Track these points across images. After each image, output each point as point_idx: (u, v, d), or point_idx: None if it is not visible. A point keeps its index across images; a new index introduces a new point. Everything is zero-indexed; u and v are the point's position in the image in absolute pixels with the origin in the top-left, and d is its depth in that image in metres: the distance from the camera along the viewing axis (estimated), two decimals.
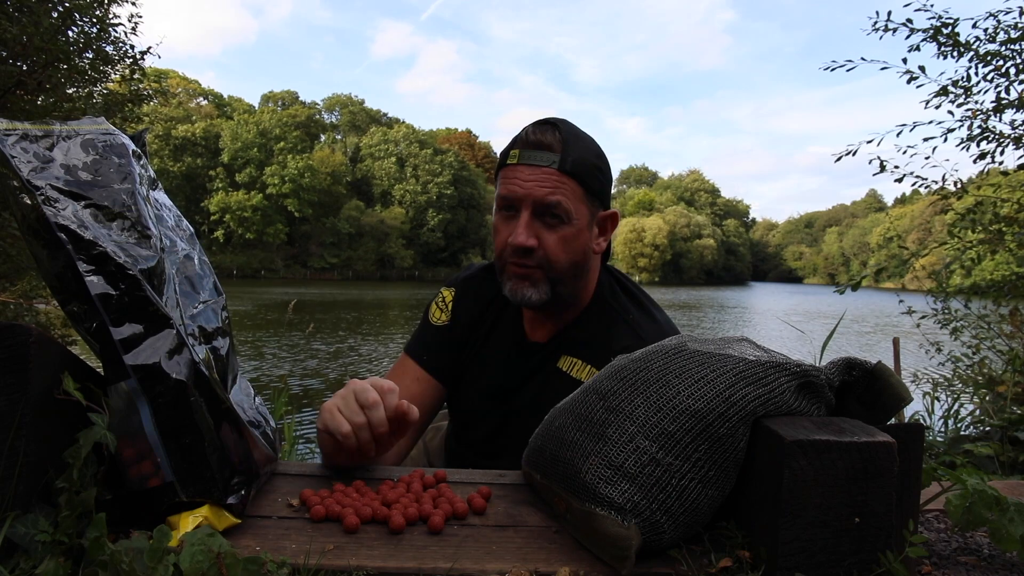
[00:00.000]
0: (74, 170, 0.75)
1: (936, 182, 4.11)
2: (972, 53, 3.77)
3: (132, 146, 0.83)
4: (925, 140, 3.99)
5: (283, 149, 59.25)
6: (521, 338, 1.27)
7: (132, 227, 0.75)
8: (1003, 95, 3.81)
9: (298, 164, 57.79)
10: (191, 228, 0.92)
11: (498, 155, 1.23)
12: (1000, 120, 3.90)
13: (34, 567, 0.61)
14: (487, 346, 1.30)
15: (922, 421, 3.14)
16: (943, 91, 3.93)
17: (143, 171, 0.83)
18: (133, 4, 6.08)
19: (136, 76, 6.39)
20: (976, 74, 3.84)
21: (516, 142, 1.17)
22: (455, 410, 1.36)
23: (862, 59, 3.94)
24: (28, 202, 0.70)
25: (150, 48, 6.39)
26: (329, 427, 0.90)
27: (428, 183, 64.42)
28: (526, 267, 1.14)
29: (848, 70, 4.00)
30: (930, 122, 3.98)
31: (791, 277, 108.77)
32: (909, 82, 3.86)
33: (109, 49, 6.02)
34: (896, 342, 3.84)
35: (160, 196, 0.87)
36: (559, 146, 1.13)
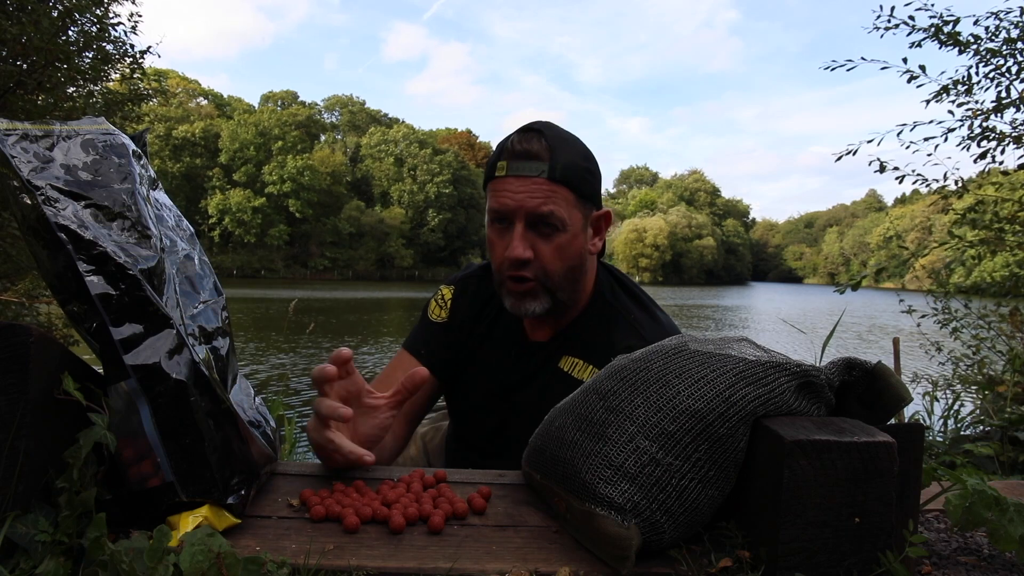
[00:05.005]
0: (74, 170, 0.75)
1: (937, 180, 4.12)
2: (973, 50, 3.77)
3: (132, 146, 0.83)
4: (925, 140, 4.00)
5: (282, 149, 59.25)
6: (522, 337, 1.27)
7: (132, 227, 0.75)
8: (1003, 95, 3.81)
9: (296, 163, 57.79)
10: (191, 228, 0.91)
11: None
12: (1001, 119, 3.90)
13: (34, 567, 0.61)
14: (487, 344, 1.30)
15: (922, 421, 3.14)
16: (944, 90, 3.93)
17: (143, 171, 0.83)
18: (133, 3, 6.09)
19: (136, 75, 6.39)
20: (977, 73, 3.85)
21: (502, 153, 1.14)
22: (455, 409, 1.36)
23: (862, 59, 3.94)
24: (28, 202, 0.70)
25: (150, 47, 6.39)
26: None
27: (427, 183, 64.43)
28: (524, 282, 1.14)
29: (848, 70, 4.00)
30: (930, 121, 3.98)
31: (791, 277, 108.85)
32: (910, 81, 3.86)
33: (109, 48, 6.01)
34: (896, 342, 3.84)
35: (160, 196, 0.87)
36: (546, 154, 1.10)
